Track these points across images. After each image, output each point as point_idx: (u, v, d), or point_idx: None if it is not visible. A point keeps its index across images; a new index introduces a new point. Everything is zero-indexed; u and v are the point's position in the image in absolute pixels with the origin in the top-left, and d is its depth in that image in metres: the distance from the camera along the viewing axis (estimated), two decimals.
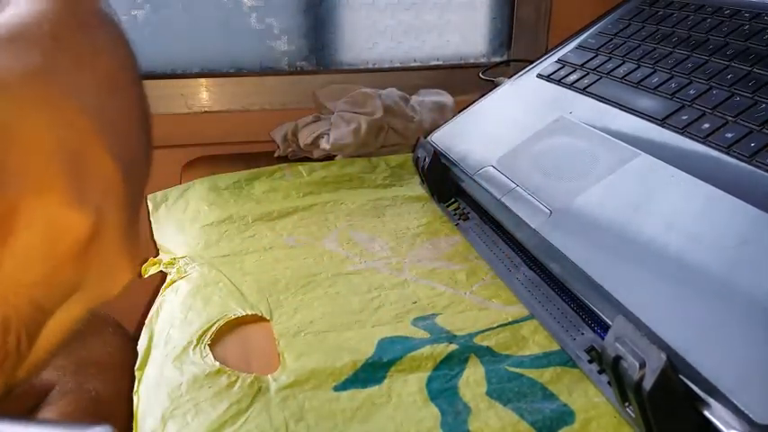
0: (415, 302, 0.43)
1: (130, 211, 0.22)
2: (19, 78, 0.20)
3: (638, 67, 0.51)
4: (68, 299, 0.21)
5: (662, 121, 0.43)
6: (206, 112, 0.80)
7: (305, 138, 0.70)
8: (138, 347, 0.40)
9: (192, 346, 0.39)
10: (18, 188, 0.19)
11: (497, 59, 0.88)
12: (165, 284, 0.47)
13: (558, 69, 0.57)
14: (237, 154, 0.74)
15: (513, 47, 0.88)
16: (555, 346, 0.38)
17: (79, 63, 0.22)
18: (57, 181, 0.19)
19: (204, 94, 0.79)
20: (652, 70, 0.49)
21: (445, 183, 0.54)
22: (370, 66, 0.85)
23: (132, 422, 0.35)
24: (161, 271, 0.49)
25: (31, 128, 0.19)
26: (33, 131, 0.19)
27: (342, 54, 0.84)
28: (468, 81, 0.82)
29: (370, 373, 0.36)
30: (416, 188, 0.60)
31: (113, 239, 0.21)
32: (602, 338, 0.34)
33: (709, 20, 0.51)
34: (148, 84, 0.25)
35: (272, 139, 0.73)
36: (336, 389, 0.35)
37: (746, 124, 0.39)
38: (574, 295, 0.38)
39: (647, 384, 0.28)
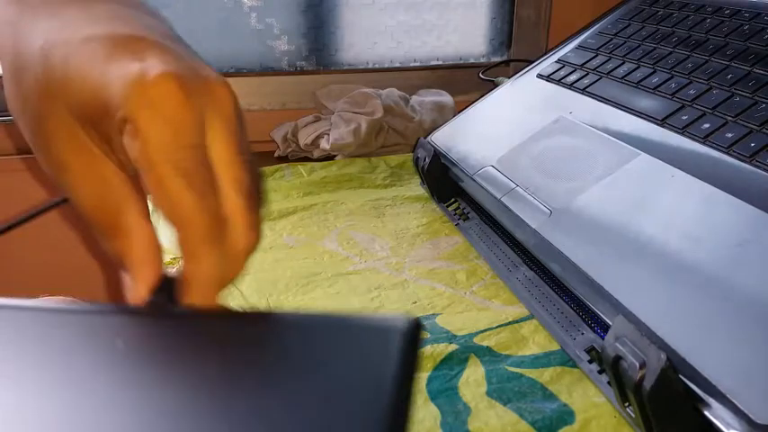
0: (415, 302, 0.43)
1: None
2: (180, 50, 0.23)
3: (638, 67, 0.51)
4: None
5: (662, 121, 0.43)
6: None
7: (305, 138, 0.70)
8: None
9: None
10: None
11: (497, 59, 0.88)
12: None
13: (558, 69, 0.57)
14: None
15: (513, 47, 0.88)
16: (555, 346, 0.38)
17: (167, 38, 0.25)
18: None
19: None
20: (652, 70, 0.49)
21: (445, 183, 0.54)
22: (370, 66, 0.85)
23: None
24: None
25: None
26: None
27: (342, 54, 0.84)
28: (468, 81, 0.82)
29: None
30: (416, 188, 0.60)
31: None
32: (602, 338, 0.34)
33: (709, 20, 0.51)
34: None
35: (272, 139, 0.73)
36: None
37: (746, 124, 0.39)
38: (574, 295, 0.38)
39: (647, 384, 0.28)
